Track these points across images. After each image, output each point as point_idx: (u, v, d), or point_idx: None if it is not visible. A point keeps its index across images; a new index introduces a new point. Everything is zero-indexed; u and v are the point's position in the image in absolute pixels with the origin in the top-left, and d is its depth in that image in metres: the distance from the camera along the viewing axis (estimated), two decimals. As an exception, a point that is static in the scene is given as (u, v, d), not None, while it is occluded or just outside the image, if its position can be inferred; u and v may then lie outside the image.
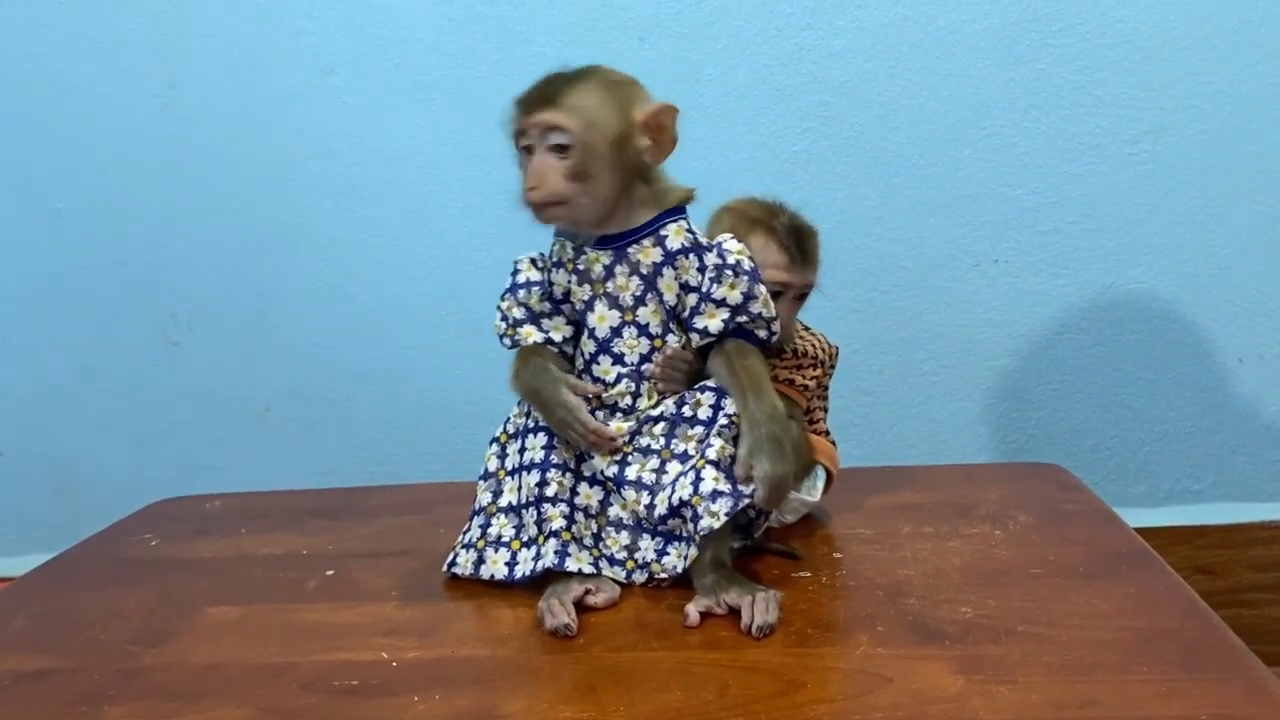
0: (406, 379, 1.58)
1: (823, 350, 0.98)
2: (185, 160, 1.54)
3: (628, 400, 0.86)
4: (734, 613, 0.78)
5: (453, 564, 0.90)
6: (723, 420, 0.84)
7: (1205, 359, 1.47)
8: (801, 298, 0.96)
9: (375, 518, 1.08)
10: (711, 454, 0.82)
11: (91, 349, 1.61)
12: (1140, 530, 0.93)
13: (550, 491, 0.85)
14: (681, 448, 0.85)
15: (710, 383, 0.86)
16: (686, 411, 0.86)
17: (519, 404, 0.90)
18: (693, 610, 0.78)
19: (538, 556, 0.84)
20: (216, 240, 1.56)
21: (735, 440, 0.84)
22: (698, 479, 0.81)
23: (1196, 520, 1.50)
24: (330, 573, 0.93)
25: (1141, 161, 1.42)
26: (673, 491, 0.83)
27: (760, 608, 0.76)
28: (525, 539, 0.87)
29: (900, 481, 1.08)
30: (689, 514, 0.81)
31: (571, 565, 0.83)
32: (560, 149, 0.82)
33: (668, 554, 0.85)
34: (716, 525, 0.80)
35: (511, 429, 0.91)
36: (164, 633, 0.83)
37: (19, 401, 1.64)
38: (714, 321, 0.85)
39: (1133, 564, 0.85)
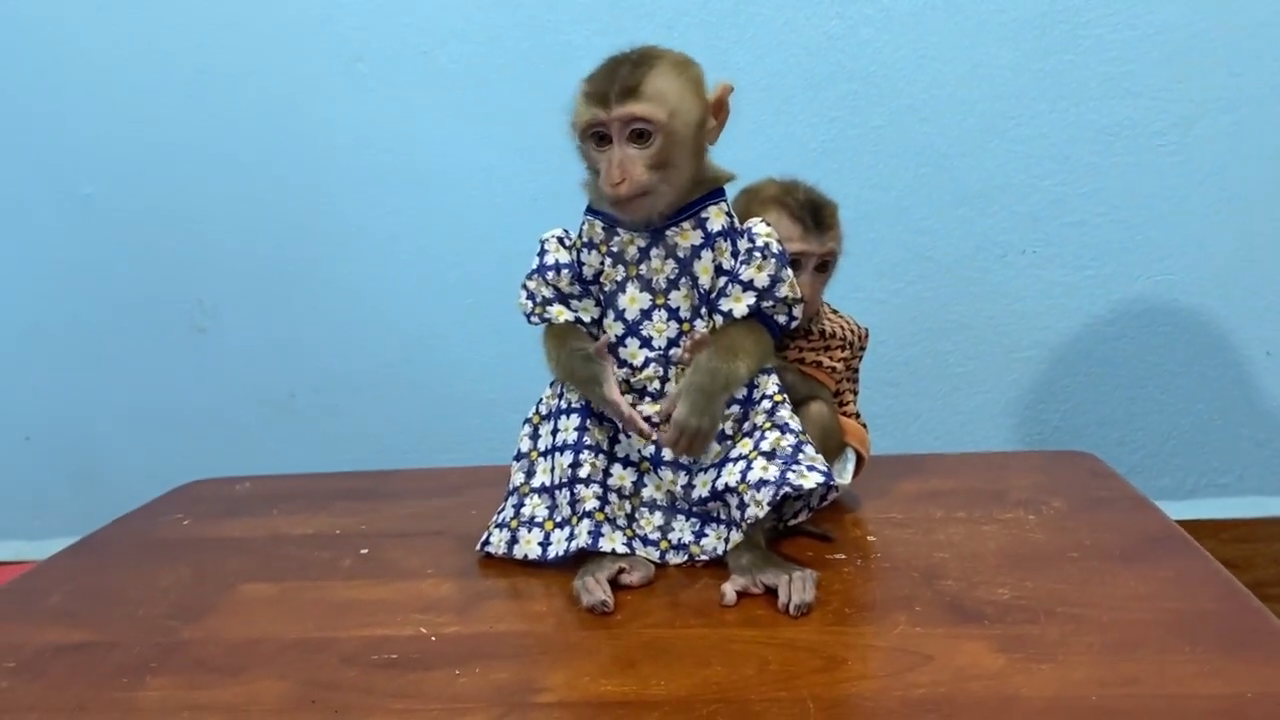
0: (430, 367, 1.58)
1: (851, 331, 0.97)
2: (212, 148, 1.54)
3: (655, 384, 0.86)
4: (770, 592, 0.78)
5: (486, 543, 0.90)
6: (765, 404, 0.84)
7: (1232, 352, 1.46)
8: (823, 267, 0.94)
9: (405, 499, 1.08)
10: (765, 445, 0.82)
11: (118, 335, 1.62)
12: (1166, 523, 0.92)
13: (583, 473, 0.85)
14: (718, 427, 0.84)
15: None
16: None
17: (551, 385, 0.90)
18: (729, 589, 0.78)
19: (571, 537, 0.84)
20: (243, 228, 1.56)
21: (784, 428, 0.83)
22: (748, 468, 0.81)
23: (1222, 514, 1.49)
24: (364, 551, 0.94)
25: (1170, 153, 1.41)
26: (717, 476, 0.83)
27: (797, 586, 0.76)
28: (559, 520, 0.87)
29: (930, 468, 1.08)
30: (734, 501, 0.82)
31: (605, 545, 0.83)
32: (640, 138, 0.80)
33: (706, 535, 0.86)
34: (761, 514, 0.79)
35: (544, 410, 0.91)
36: (201, 608, 0.84)
37: (45, 387, 1.65)
38: (739, 305, 0.84)
39: (1169, 548, 0.85)
